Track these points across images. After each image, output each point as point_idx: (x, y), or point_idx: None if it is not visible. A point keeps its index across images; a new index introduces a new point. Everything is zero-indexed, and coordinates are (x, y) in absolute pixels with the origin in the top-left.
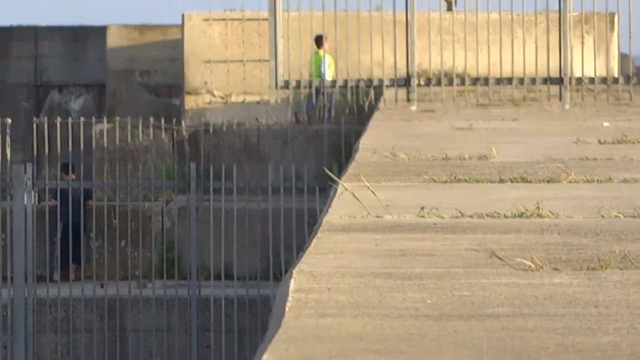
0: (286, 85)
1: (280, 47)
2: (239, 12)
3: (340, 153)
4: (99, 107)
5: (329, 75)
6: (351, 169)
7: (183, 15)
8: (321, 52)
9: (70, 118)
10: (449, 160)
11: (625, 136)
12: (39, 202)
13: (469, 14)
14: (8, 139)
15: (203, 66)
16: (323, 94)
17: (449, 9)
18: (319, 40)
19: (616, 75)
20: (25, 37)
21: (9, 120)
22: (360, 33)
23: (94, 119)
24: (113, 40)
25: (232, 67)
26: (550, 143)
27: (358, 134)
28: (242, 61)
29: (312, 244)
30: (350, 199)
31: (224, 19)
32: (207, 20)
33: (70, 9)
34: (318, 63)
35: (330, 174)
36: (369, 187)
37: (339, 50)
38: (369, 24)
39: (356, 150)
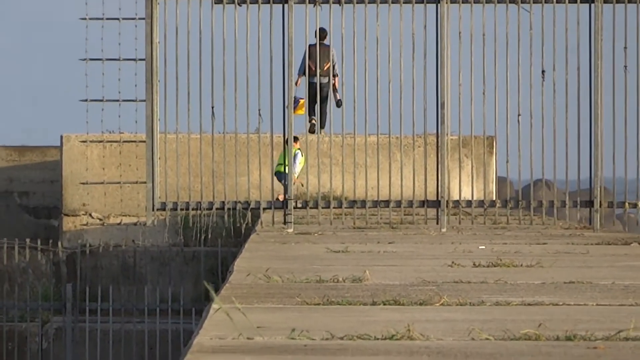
0: (163, 207)
1: (157, 169)
2: (116, 134)
3: (217, 275)
4: None
5: (298, 169)
6: (224, 290)
7: (62, 137)
8: (295, 146)
9: None
10: (322, 282)
11: (500, 259)
12: None
13: (347, 137)
14: None
15: (81, 188)
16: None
17: (311, 131)
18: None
19: (494, 198)
20: None
21: None
22: (238, 155)
23: None
24: None
25: (109, 189)
26: (425, 266)
27: (235, 256)
28: (119, 183)
29: None
30: (221, 320)
31: (101, 141)
32: (84, 142)
33: None
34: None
35: (208, 287)
36: (239, 309)
37: (217, 172)
38: (247, 146)
39: (230, 273)
